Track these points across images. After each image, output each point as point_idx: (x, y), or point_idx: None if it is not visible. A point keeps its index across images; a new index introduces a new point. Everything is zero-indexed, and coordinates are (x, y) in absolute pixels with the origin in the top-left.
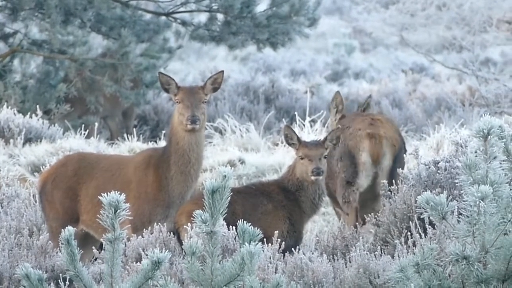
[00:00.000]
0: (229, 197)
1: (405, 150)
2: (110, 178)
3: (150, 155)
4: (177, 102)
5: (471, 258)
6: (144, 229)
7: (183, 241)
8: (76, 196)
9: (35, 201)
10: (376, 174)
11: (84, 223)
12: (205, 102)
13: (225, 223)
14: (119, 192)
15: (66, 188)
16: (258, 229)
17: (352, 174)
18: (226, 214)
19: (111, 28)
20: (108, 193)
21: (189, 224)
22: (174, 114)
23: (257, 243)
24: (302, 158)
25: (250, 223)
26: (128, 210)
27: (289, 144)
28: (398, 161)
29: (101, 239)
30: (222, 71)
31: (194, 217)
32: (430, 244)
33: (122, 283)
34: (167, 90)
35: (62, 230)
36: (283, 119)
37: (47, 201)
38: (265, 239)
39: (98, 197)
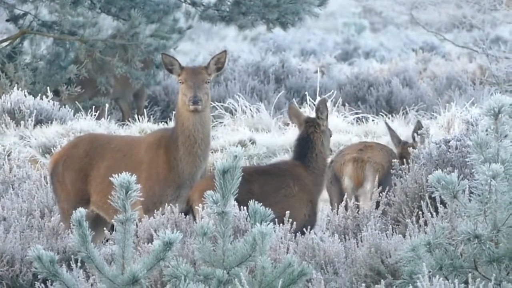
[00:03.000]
0: (247, 176)
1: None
2: (122, 158)
3: (161, 135)
4: (181, 82)
5: (482, 237)
6: (155, 210)
7: (196, 219)
8: (87, 177)
9: (46, 183)
10: (358, 198)
11: (95, 204)
12: (208, 82)
13: (236, 203)
14: (130, 173)
15: (77, 169)
16: (277, 211)
17: (340, 198)
18: (240, 193)
19: (121, 9)
20: (119, 174)
21: (201, 201)
22: (179, 95)
23: (269, 223)
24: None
25: (268, 204)
26: (139, 191)
27: None
28: (383, 185)
29: (112, 221)
30: (225, 51)
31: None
32: (442, 223)
33: (133, 264)
34: (170, 71)
35: (73, 211)
36: (293, 99)
37: (58, 182)
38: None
39: (109, 178)
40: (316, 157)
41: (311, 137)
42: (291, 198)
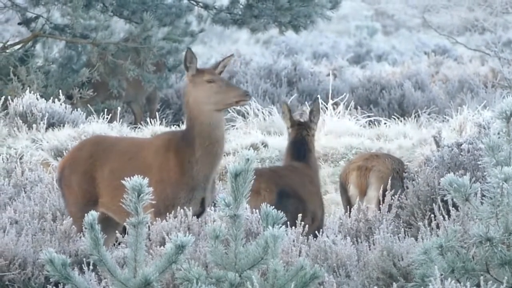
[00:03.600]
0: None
1: (401, 183)
2: (128, 161)
3: (169, 138)
4: (209, 81)
5: (494, 240)
6: (168, 213)
7: None
8: (93, 179)
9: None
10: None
11: (103, 206)
12: None
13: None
14: (139, 176)
15: (82, 171)
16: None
17: (347, 207)
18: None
19: (133, 12)
20: (128, 177)
21: (251, 200)
22: (199, 95)
23: (281, 226)
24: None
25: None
26: (151, 195)
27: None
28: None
29: (123, 223)
30: (232, 54)
31: (256, 193)
32: (454, 226)
33: (146, 267)
34: (187, 68)
35: (83, 213)
36: (306, 102)
37: (66, 186)
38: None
39: (117, 179)
40: (313, 157)
41: (305, 139)
42: (314, 196)
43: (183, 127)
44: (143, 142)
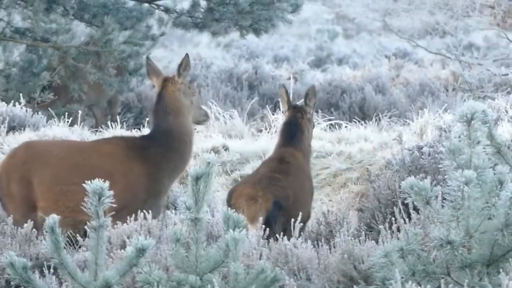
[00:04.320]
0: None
1: None
2: (73, 167)
3: (128, 146)
4: (194, 95)
5: (455, 243)
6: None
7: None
8: (30, 184)
9: None
10: None
11: (43, 210)
12: None
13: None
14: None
15: (18, 178)
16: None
17: None
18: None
19: (94, 15)
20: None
21: (246, 207)
22: (187, 105)
23: (241, 230)
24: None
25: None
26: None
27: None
28: None
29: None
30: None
31: (253, 200)
32: (415, 229)
33: (106, 270)
34: (179, 74)
35: (27, 219)
36: (267, 106)
37: (4, 196)
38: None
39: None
40: (306, 140)
41: (299, 121)
42: (310, 195)
43: (145, 130)
44: (88, 148)
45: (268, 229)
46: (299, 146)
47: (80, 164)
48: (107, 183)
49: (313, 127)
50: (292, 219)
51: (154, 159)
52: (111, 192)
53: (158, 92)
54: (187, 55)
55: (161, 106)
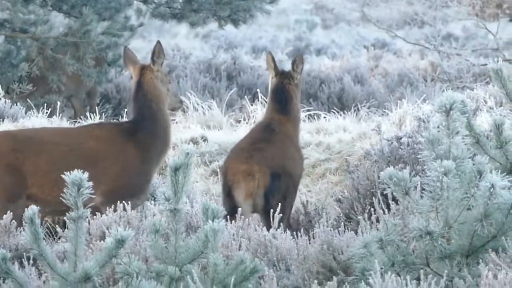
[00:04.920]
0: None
1: None
2: (69, 152)
3: (121, 130)
4: (170, 82)
5: (434, 234)
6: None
7: (236, 200)
8: (18, 173)
9: None
10: None
11: (34, 198)
12: None
13: None
14: (84, 167)
15: (4, 165)
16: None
17: None
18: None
19: (72, 6)
20: (71, 168)
21: (243, 183)
22: (163, 92)
23: (220, 220)
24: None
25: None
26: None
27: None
28: None
29: (64, 218)
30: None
31: (250, 176)
32: (394, 220)
33: (86, 261)
34: (153, 62)
35: (7, 209)
36: (245, 96)
37: None
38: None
39: (55, 172)
40: (294, 107)
41: (286, 87)
42: (296, 161)
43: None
44: (81, 133)
45: (266, 203)
46: (287, 113)
47: (77, 149)
48: (86, 174)
49: (301, 94)
50: (272, 210)
51: (143, 143)
52: (90, 183)
53: (137, 80)
54: (158, 42)
55: (141, 93)
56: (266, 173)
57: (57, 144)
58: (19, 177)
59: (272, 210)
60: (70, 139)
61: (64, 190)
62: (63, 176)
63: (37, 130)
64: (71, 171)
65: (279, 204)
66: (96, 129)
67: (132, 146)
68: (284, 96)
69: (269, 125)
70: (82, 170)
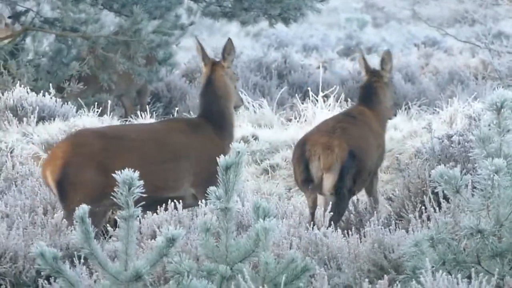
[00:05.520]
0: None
1: None
2: (160, 146)
3: (195, 124)
4: (238, 79)
5: (485, 232)
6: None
7: (312, 172)
8: (107, 171)
9: None
10: None
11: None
12: None
13: None
14: (172, 160)
15: (95, 165)
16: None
17: None
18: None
19: (123, 5)
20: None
21: (322, 155)
22: (232, 89)
23: (271, 219)
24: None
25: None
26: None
27: None
28: None
29: (115, 217)
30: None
31: (329, 148)
32: (445, 218)
33: (137, 260)
34: (224, 58)
35: (95, 207)
36: (296, 95)
37: (71, 185)
38: None
39: (148, 166)
40: (381, 103)
41: (373, 85)
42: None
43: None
44: (166, 128)
45: (339, 180)
46: (371, 106)
47: (166, 143)
48: (137, 173)
49: (395, 92)
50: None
51: (215, 136)
52: (141, 182)
53: (208, 76)
54: (229, 39)
55: (211, 89)
56: (345, 149)
57: (145, 140)
58: (108, 176)
59: (340, 193)
60: (157, 134)
61: (115, 189)
62: (154, 169)
63: (121, 128)
64: (164, 166)
65: (348, 185)
66: (176, 123)
67: (210, 138)
68: (369, 92)
69: (350, 113)
70: (175, 163)
